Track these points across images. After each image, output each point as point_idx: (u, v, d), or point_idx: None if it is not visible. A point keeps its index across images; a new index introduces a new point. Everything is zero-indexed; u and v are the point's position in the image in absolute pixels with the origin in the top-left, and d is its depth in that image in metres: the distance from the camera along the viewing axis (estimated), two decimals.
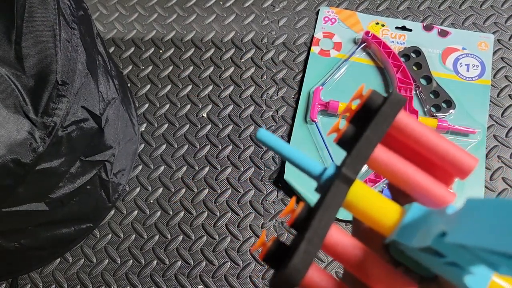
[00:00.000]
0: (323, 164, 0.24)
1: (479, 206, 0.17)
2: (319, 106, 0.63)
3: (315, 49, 0.68)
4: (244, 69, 0.68)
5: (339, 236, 0.22)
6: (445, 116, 0.62)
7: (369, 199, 0.22)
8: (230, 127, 0.65)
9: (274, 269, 0.22)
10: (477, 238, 0.16)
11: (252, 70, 0.68)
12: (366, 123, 0.23)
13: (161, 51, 0.70)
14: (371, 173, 0.59)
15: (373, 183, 0.59)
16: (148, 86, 0.68)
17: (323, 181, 0.23)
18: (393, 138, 0.23)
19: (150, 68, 0.69)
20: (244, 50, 0.69)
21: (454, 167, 0.23)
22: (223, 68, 0.68)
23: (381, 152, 0.23)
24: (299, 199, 0.60)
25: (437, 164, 0.23)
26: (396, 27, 0.68)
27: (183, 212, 0.61)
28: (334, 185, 0.22)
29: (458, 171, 0.23)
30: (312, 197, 0.59)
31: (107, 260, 0.59)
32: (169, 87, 0.68)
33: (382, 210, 0.22)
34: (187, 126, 0.65)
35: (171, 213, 0.61)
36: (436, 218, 0.20)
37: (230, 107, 0.66)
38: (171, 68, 0.69)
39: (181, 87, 0.67)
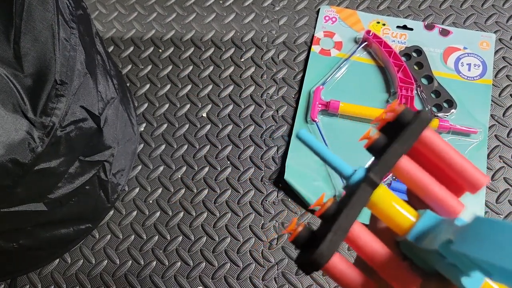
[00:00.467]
0: (352, 167, 0.27)
1: (485, 224, 0.20)
2: (320, 105, 0.63)
3: (315, 49, 0.68)
4: (244, 68, 0.68)
5: (361, 231, 0.26)
6: (447, 116, 0.62)
7: (389, 202, 0.26)
8: (230, 127, 0.64)
9: (300, 251, 0.26)
10: (478, 251, 0.19)
11: (252, 69, 0.68)
12: (395, 135, 0.26)
13: (160, 50, 0.70)
14: None
15: None
16: (148, 86, 0.67)
17: (351, 182, 0.26)
18: (417, 150, 0.27)
19: (150, 67, 0.68)
20: (244, 50, 0.69)
21: (467, 182, 0.26)
22: (223, 68, 0.68)
23: (405, 162, 0.26)
24: (302, 201, 0.60)
25: (453, 178, 0.27)
26: (397, 26, 0.68)
27: (182, 213, 0.60)
28: (361, 187, 0.25)
29: (470, 186, 0.26)
30: (312, 198, 0.59)
31: (106, 261, 0.59)
32: (168, 86, 0.67)
33: (400, 213, 0.26)
34: (187, 126, 0.65)
35: (170, 213, 0.60)
36: (445, 226, 0.23)
37: (230, 107, 0.66)
38: (170, 67, 0.68)
39: (180, 86, 0.67)
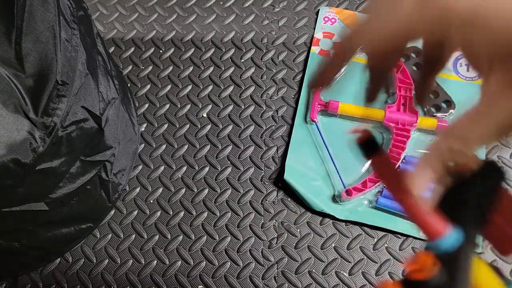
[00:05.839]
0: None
1: None
2: (319, 106, 0.63)
3: (315, 49, 0.68)
4: (244, 69, 0.68)
5: None
6: (445, 116, 0.62)
7: (479, 270, 0.23)
8: (230, 127, 0.65)
9: None
10: None
11: (252, 70, 0.68)
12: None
13: (161, 51, 0.70)
14: (371, 173, 0.59)
15: (373, 183, 0.59)
16: (148, 86, 0.68)
17: (448, 243, 0.22)
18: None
19: (150, 68, 0.69)
20: (244, 50, 0.69)
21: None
22: (223, 68, 0.68)
23: None
24: (301, 201, 0.60)
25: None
26: None
27: (183, 212, 0.61)
28: (464, 250, 0.22)
29: None
30: (312, 197, 0.59)
31: (107, 260, 0.59)
32: (169, 87, 0.68)
33: (490, 283, 0.23)
34: (187, 126, 0.65)
35: (171, 213, 0.61)
36: None
37: (230, 107, 0.66)
38: (171, 68, 0.69)
39: (181, 87, 0.67)
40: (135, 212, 0.61)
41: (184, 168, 0.63)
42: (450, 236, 0.22)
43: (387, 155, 0.24)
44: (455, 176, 0.23)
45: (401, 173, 0.24)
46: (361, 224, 0.59)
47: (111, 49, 0.70)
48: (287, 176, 0.61)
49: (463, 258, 0.22)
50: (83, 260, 0.59)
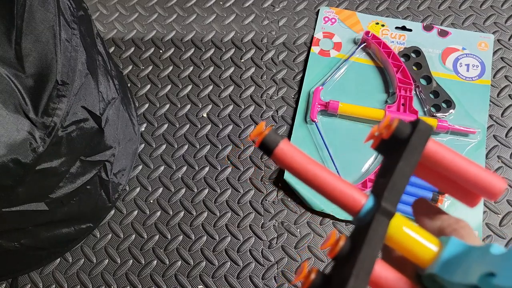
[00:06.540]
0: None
1: None
2: (319, 106, 0.63)
3: (315, 49, 0.68)
4: (244, 69, 0.68)
5: (382, 269, 0.23)
6: (445, 116, 0.62)
7: (407, 232, 0.23)
8: (230, 127, 0.65)
9: None
10: None
11: (252, 70, 0.68)
12: (395, 153, 0.23)
13: (161, 51, 0.70)
14: (371, 173, 0.59)
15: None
16: (148, 86, 0.68)
17: (362, 214, 0.23)
18: (423, 166, 0.24)
19: (150, 68, 0.69)
20: (244, 50, 0.69)
21: (484, 192, 0.24)
22: (223, 68, 0.68)
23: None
24: (301, 201, 0.60)
25: (466, 188, 0.24)
26: (396, 27, 0.68)
27: (183, 212, 0.61)
28: (375, 219, 0.22)
29: (488, 195, 0.24)
30: (312, 197, 0.59)
31: (107, 260, 0.59)
32: (169, 87, 0.68)
33: (420, 244, 0.23)
34: (187, 126, 0.65)
35: (171, 213, 0.61)
36: (478, 256, 0.21)
37: (230, 107, 0.66)
38: (171, 68, 0.69)
39: (181, 87, 0.68)
40: (135, 212, 0.61)
41: (184, 168, 0.63)
42: (364, 206, 0.23)
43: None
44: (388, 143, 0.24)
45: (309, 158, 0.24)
46: None
47: (111, 49, 0.70)
48: (287, 176, 0.61)
49: (373, 224, 0.22)
50: (83, 260, 0.59)
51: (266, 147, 0.24)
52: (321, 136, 0.62)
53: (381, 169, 0.24)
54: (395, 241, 0.23)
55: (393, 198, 0.23)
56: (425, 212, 0.26)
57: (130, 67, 0.69)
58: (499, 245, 0.21)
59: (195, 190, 0.62)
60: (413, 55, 0.66)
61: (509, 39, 0.68)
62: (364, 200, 0.23)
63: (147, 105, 0.67)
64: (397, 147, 0.23)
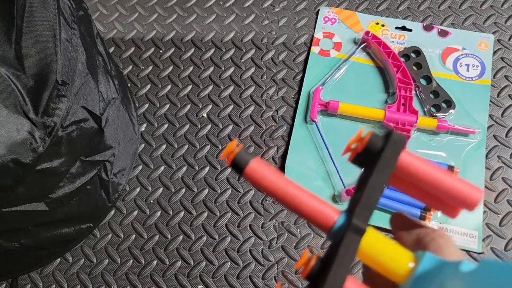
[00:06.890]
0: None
1: (495, 270, 0.18)
2: (319, 106, 0.63)
3: (315, 49, 0.68)
4: (244, 69, 0.68)
5: (353, 287, 0.23)
6: (445, 116, 0.62)
7: (381, 247, 0.23)
8: (230, 127, 0.65)
9: None
10: None
11: (252, 70, 0.68)
12: (370, 165, 0.23)
13: (161, 51, 0.70)
14: None
15: None
16: (148, 86, 0.68)
17: (334, 231, 0.23)
18: (400, 178, 0.24)
19: (150, 68, 0.69)
20: (244, 50, 0.69)
21: (460, 203, 0.24)
22: (223, 68, 0.68)
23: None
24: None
25: (443, 199, 0.24)
26: (396, 27, 0.68)
27: (183, 212, 0.61)
28: (346, 236, 0.22)
29: (464, 205, 0.24)
30: None
31: (107, 260, 0.59)
32: (169, 87, 0.68)
33: (394, 259, 0.23)
34: (187, 126, 0.65)
35: (171, 213, 0.61)
36: (450, 272, 0.21)
37: (230, 107, 0.66)
38: (171, 68, 0.69)
39: (181, 87, 0.68)
40: (135, 212, 0.61)
41: (184, 168, 0.63)
42: (336, 223, 0.23)
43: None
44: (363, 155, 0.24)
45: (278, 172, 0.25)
46: None
47: (111, 49, 0.70)
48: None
49: (343, 242, 0.22)
50: (83, 260, 0.59)
51: (237, 166, 0.24)
52: (321, 136, 0.62)
53: (358, 182, 0.24)
54: (368, 258, 0.23)
55: (365, 213, 0.22)
56: (402, 225, 0.26)
57: (130, 67, 0.69)
58: (470, 262, 0.21)
59: (195, 190, 0.62)
60: (413, 55, 0.66)
61: (509, 39, 0.68)
62: (337, 217, 0.23)
63: (147, 105, 0.67)
64: (371, 160, 0.23)
